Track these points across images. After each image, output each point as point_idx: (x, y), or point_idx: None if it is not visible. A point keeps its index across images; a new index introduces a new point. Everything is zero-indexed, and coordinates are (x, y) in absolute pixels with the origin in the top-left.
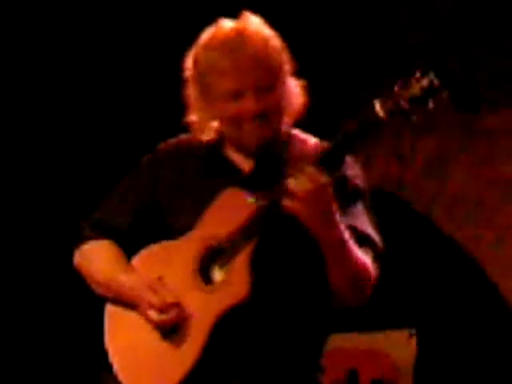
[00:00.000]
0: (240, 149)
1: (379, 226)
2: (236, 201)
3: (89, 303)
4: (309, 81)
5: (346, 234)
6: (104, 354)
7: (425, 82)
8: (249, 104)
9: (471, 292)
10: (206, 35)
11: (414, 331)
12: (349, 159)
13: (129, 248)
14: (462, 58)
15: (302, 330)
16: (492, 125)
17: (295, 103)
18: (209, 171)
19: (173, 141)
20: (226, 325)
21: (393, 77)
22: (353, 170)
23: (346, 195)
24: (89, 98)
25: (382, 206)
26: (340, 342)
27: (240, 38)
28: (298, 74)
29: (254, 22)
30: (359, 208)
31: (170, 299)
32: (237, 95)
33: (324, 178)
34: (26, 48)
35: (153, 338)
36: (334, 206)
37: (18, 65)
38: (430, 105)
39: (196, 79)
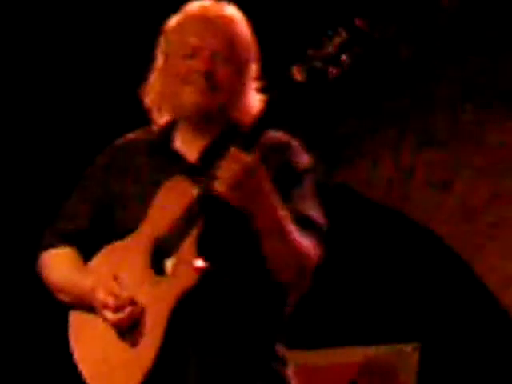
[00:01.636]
0: (179, 114)
1: (324, 208)
2: (178, 190)
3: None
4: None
5: (283, 214)
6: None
7: (336, 40)
8: (201, 62)
9: (474, 306)
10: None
11: (417, 345)
12: (294, 143)
13: (90, 249)
14: (460, 71)
15: (254, 311)
16: (494, 137)
17: (251, 104)
18: (156, 164)
19: (124, 136)
20: (182, 313)
21: None
22: (297, 154)
23: (289, 180)
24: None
25: (386, 220)
26: (342, 355)
27: (214, 8)
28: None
29: (234, 8)
30: (301, 191)
31: (123, 296)
32: (194, 53)
33: (247, 158)
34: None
35: (112, 338)
36: (264, 183)
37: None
38: (345, 60)
39: (161, 42)
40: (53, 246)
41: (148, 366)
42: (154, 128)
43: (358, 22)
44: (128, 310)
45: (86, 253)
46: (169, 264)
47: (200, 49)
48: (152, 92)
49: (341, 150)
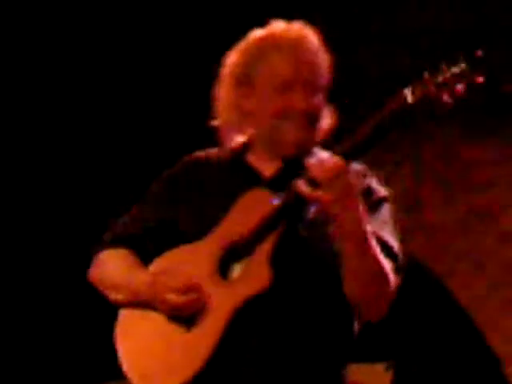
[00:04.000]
0: (270, 149)
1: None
2: (257, 199)
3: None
4: None
5: (369, 227)
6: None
7: (455, 68)
8: (299, 99)
9: (447, 324)
10: (259, 32)
11: (390, 364)
12: (373, 173)
13: (148, 256)
14: None
15: (319, 331)
16: (468, 156)
17: (325, 122)
18: (230, 179)
19: (195, 154)
20: (243, 319)
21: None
22: (377, 182)
23: (371, 205)
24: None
25: None
26: None
27: (299, 34)
28: None
29: (310, 29)
30: (381, 217)
31: (189, 282)
32: (286, 87)
33: (342, 161)
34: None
35: (168, 332)
36: (353, 186)
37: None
38: (461, 89)
39: (240, 72)
40: (109, 247)
41: (200, 363)
42: (226, 147)
43: (479, 53)
44: (193, 295)
45: (145, 259)
46: (237, 268)
47: (293, 81)
48: (226, 115)
49: None
